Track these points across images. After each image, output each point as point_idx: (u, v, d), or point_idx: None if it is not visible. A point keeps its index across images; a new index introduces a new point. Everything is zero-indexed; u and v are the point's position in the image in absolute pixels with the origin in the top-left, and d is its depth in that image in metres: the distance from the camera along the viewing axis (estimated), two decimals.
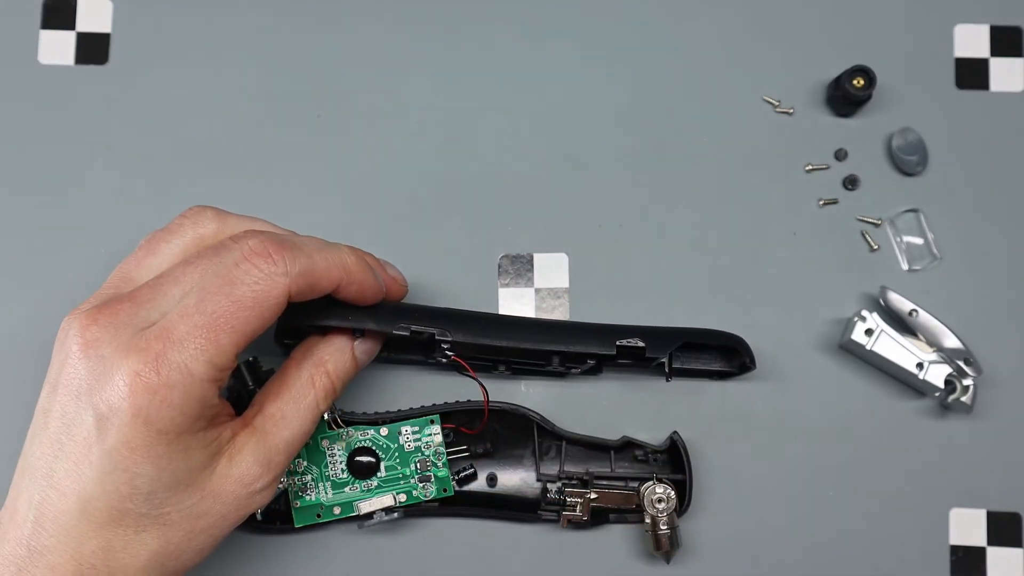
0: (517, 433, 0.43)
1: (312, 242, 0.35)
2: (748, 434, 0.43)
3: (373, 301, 0.37)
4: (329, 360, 0.37)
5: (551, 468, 0.42)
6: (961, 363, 0.42)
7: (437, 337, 0.38)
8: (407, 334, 0.38)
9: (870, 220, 0.45)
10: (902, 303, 0.43)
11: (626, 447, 0.42)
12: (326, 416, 0.40)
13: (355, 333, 0.38)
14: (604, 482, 0.42)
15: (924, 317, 0.43)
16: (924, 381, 0.42)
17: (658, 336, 0.41)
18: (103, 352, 0.32)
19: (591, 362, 0.41)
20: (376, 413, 0.41)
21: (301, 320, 0.37)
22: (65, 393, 0.32)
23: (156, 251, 0.35)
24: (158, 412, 0.31)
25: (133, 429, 0.31)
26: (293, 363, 0.37)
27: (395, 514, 0.41)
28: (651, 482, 0.41)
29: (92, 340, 0.32)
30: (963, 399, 0.42)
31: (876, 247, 0.45)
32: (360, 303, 0.37)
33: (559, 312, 0.44)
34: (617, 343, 0.40)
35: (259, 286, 0.32)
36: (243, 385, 0.39)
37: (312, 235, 0.36)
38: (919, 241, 0.45)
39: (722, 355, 0.43)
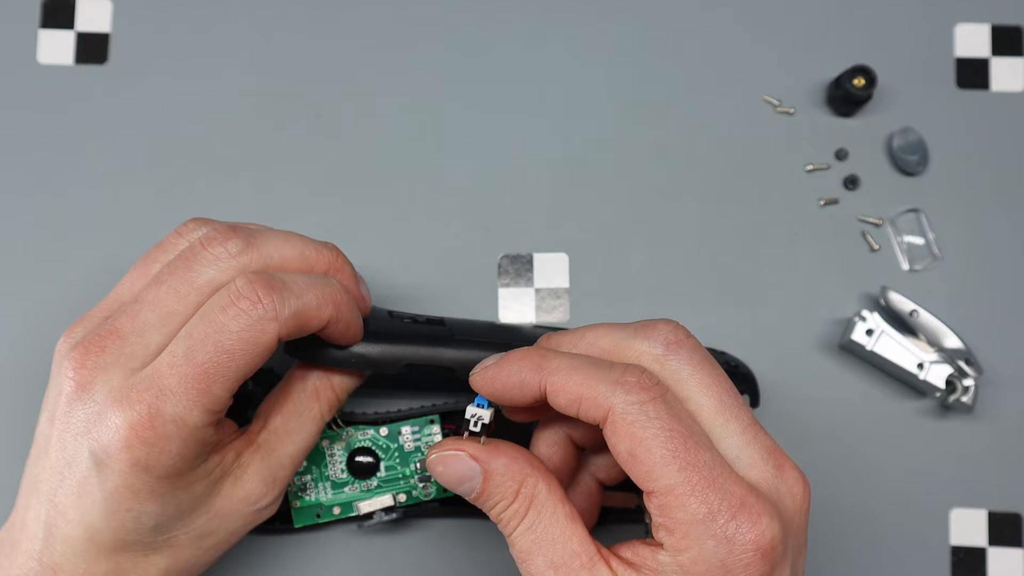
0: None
1: (302, 278, 0.33)
2: None
3: (351, 342, 0.36)
4: (336, 373, 0.37)
5: None
6: (962, 363, 0.42)
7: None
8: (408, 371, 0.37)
9: (871, 220, 0.45)
10: (903, 303, 0.43)
11: None
12: None
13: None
14: None
15: (925, 317, 0.43)
16: (925, 381, 0.42)
17: None
18: (96, 396, 0.31)
19: None
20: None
21: (306, 355, 0.36)
22: (62, 428, 0.32)
23: (149, 273, 0.34)
24: (157, 461, 0.31)
25: (134, 476, 0.31)
26: (298, 374, 0.37)
27: (395, 514, 0.40)
28: None
29: (84, 382, 0.31)
30: (964, 399, 0.42)
31: (877, 247, 0.45)
32: (339, 343, 0.36)
33: (559, 312, 0.44)
34: None
35: (247, 333, 0.31)
36: (243, 385, 0.39)
37: (313, 235, 0.36)
38: (920, 241, 0.45)
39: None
